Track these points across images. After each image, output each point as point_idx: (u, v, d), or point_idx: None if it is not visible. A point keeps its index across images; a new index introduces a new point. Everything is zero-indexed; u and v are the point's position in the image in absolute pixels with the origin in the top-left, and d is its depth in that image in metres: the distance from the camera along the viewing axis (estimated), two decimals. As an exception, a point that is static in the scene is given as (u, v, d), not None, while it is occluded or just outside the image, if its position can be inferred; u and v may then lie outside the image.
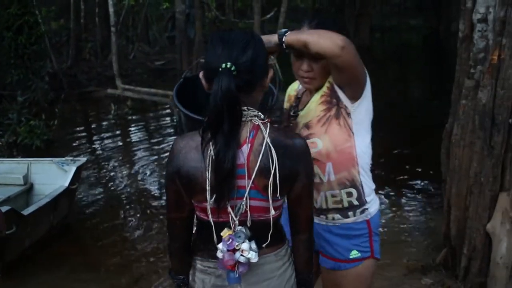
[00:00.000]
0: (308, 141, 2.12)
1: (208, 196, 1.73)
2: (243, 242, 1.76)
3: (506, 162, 3.64)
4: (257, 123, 1.77)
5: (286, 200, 1.89)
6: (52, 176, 5.81)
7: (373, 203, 2.38)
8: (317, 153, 2.24)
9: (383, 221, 5.81)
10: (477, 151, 3.73)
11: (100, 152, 9.24)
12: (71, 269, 5.02)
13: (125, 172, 8.14)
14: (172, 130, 10.57)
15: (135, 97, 12.05)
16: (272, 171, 1.72)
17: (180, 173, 1.77)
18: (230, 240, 1.75)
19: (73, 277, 4.87)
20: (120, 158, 8.85)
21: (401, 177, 7.04)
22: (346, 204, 2.32)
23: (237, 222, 1.76)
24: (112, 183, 7.58)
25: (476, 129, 3.72)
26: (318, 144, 2.24)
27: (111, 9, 13.02)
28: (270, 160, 1.72)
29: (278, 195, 1.77)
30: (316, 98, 2.30)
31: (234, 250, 1.76)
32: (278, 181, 1.73)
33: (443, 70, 13.88)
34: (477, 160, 3.73)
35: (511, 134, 3.57)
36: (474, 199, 3.79)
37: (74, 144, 9.57)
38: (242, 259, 1.76)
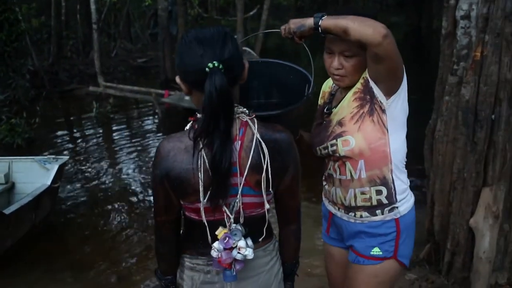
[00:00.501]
0: (341, 139, 2.20)
1: (201, 197, 1.72)
2: (240, 240, 1.76)
3: (488, 157, 3.67)
4: (245, 120, 1.76)
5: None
6: (34, 175, 5.75)
7: (405, 202, 2.30)
8: (350, 151, 2.19)
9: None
10: (460, 147, 3.76)
11: (82, 150, 9.16)
12: (54, 268, 4.98)
13: (107, 170, 8.08)
14: (154, 128, 10.52)
15: (117, 95, 11.97)
16: (265, 167, 1.72)
17: (170, 176, 1.75)
18: (227, 238, 1.75)
19: (57, 276, 4.83)
20: (103, 156, 8.79)
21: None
22: (374, 202, 2.26)
23: (232, 220, 1.76)
24: (94, 181, 7.52)
25: (459, 125, 3.74)
26: (351, 142, 2.18)
27: (92, 6, 12.92)
28: (262, 156, 1.72)
29: (270, 189, 1.78)
30: (350, 95, 2.24)
31: (231, 249, 1.76)
32: (269, 177, 1.74)
33: (425, 67, 13.96)
34: (460, 156, 3.76)
35: (493, 130, 3.60)
36: (457, 195, 3.82)
37: (56, 142, 9.48)
38: (239, 257, 1.76)
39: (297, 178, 1.88)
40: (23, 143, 8.70)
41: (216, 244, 1.76)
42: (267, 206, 1.79)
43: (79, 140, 9.88)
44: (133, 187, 7.25)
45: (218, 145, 1.65)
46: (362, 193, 2.26)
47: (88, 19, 15.19)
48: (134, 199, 6.81)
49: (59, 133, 10.29)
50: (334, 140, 2.23)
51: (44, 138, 9.60)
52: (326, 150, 2.29)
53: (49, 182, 5.51)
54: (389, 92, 2.14)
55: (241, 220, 1.78)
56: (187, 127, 1.77)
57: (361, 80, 2.21)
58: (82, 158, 8.62)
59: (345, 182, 2.28)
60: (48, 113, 11.28)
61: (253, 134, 1.74)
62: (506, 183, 3.67)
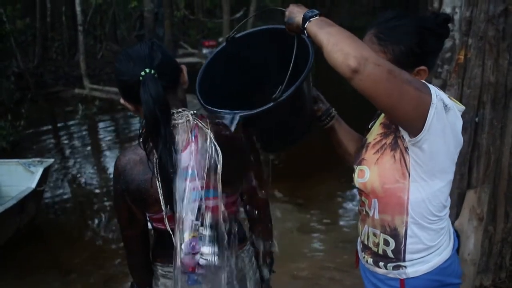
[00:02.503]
0: (359, 167, 1.86)
1: (163, 205, 1.71)
2: (205, 245, 1.75)
3: (472, 160, 3.69)
4: (195, 122, 1.74)
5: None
6: (18, 178, 5.71)
7: (419, 263, 1.83)
8: (363, 184, 1.84)
9: (353, 217, 5.86)
10: (445, 149, 3.77)
11: (68, 152, 9.11)
12: (40, 271, 4.94)
13: (93, 172, 8.05)
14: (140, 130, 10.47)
15: (103, 97, 11.93)
16: (219, 167, 1.71)
17: (130, 189, 1.75)
18: (192, 243, 1.74)
19: (42, 279, 4.79)
20: (88, 158, 8.75)
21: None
22: (380, 251, 1.88)
23: (198, 224, 1.75)
24: (80, 184, 7.49)
25: (443, 128, 3.76)
26: (366, 174, 1.82)
27: (78, 8, 12.88)
28: (217, 157, 1.71)
29: (230, 190, 1.79)
30: (382, 116, 1.89)
31: (196, 253, 1.75)
32: (228, 176, 1.73)
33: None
34: (445, 158, 3.78)
35: (477, 132, 3.62)
36: (443, 197, 3.84)
37: (41, 145, 9.42)
38: (202, 262, 1.76)
39: (260, 171, 1.89)
40: (7, 146, 8.64)
41: (182, 247, 1.75)
42: (222, 208, 1.76)
43: (64, 143, 9.83)
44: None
45: (162, 151, 1.65)
46: (374, 234, 1.90)
47: (74, 21, 15.14)
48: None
49: (45, 135, 10.23)
50: (356, 166, 1.90)
51: (29, 141, 9.54)
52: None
53: (34, 185, 5.47)
54: (409, 131, 1.68)
55: (208, 223, 1.76)
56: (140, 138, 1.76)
57: None
58: (67, 161, 8.58)
59: (363, 214, 1.96)
60: (34, 115, 11.20)
61: (206, 135, 1.72)
62: (490, 185, 3.69)
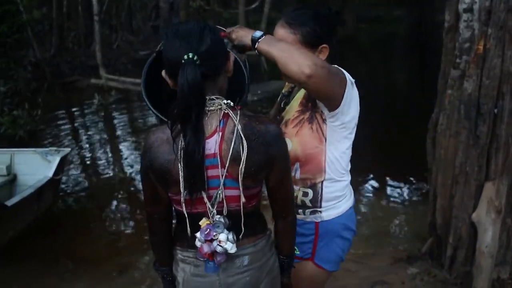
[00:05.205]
0: None
1: (182, 188, 1.73)
2: (221, 233, 1.76)
3: (491, 151, 3.65)
4: (227, 111, 1.75)
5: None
6: (35, 167, 5.75)
7: (331, 210, 2.29)
8: None
9: (368, 210, 5.85)
10: (462, 140, 3.74)
11: (84, 142, 9.17)
12: (56, 260, 4.98)
13: (109, 162, 8.09)
14: (155, 120, 10.50)
15: (119, 87, 11.96)
16: (243, 159, 1.71)
17: (153, 167, 1.77)
18: (208, 230, 1.75)
19: (59, 268, 4.84)
20: (104, 148, 8.80)
21: (386, 167, 7.06)
22: (299, 202, 2.27)
23: (214, 211, 1.76)
24: (96, 173, 7.53)
25: (461, 119, 3.73)
26: (288, 145, 2.10)
27: (94, -2, 12.91)
28: (241, 148, 1.71)
29: (252, 183, 1.77)
30: (298, 96, 2.27)
31: (211, 240, 1.76)
32: (251, 169, 1.73)
33: (427, 61, 13.92)
34: (463, 149, 3.75)
35: (496, 123, 3.58)
36: (459, 189, 3.81)
37: (58, 134, 9.48)
38: (219, 249, 1.76)
39: (286, 170, 1.88)
40: (25, 135, 8.70)
41: (198, 234, 1.77)
42: (243, 200, 1.77)
43: (81, 132, 9.89)
44: (135, 179, 7.25)
45: (190, 137, 1.67)
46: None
47: (90, 11, 15.18)
48: (136, 190, 6.81)
49: (61, 125, 10.29)
50: None
51: (46, 130, 9.61)
52: None
53: (51, 174, 5.51)
54: (329, 109, 2.13)
55: (224, 212, 1.77)
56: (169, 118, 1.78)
57: None
58: (83, 150, 8.64)
59: None
60: (50, 105, 11.27)
61: (234, 126, 1.73)
62: (509, 177, 3.65)
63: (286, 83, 2.48)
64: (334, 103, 2.10)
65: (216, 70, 1.76)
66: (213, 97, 1.74)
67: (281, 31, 2.18)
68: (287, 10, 2.27)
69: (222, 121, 1.73)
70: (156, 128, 1.82)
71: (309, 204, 2.27)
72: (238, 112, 1.76)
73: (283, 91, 2.51)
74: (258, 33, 1.99)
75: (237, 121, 1.73)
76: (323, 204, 2.27)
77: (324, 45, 2.18)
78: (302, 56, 1.89)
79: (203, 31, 1.72)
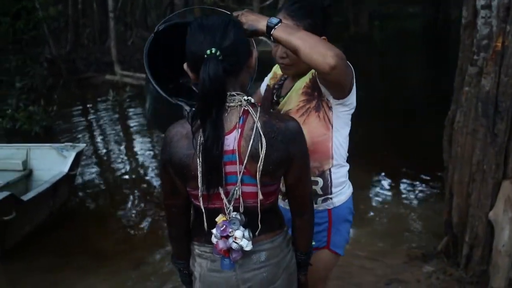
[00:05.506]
0: None
1: (199, 183, 1.73)
2: (237, 229, 1.75)
3: (509, 149, 3.62)
4: (246, 108, 1.75)
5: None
6: (51, 162, 5.79)
7: (340, 194, 2.34)
8: None
9: (383, 207, 5.82)
10: (480, 138, 3.71)
11: (99, 138, 9.22)
12: (71, 254, 5.01)
13: (124, 157, 8.13)
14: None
15: (134, 83, 12.00)
16: (261, 156, 1.70)
17: (172, 161, 1.77)
18: (224, 226, 1.75)
19: (74, 263, 4.86)
20: (119, 143, 8.84)
21: (402, 164, 7.04)
22: None
23: (231, 208, 1.76)
24: (111, 169, 7.57)
25: (479, 117, 3.70)
26: None
27: (109, -5, 12.96)
28: (260, 145, 1.71)
29: (270, 180, 1.77)
30: (298, 86, 2.27)
31: (227, 237, 1.76)
32: (270, 166, 1.73)
33: (443, 58, 13.84)
34: (480, 147, 3.72)
35: (514, 121, 3.56)
36: (476, 187, 3.78)
37: (73, 130, 9.54)
38: (234, 246, 1.76)
39: (305, 168, 1.87)
40: (40, 130, 8.76)
41: (214, 231, 1.77)
42: (260, 197, 1.76)
43: (96, 128, 9.94)
44: (149, 174, 7.28)
45: (210, 132, 1.67)
46: None
47: (105, 8, 15.24)
48: (151, 185, 6.84)
49: (76, 120, 10.36)
50: None
51: (61, 126, 9.67)
52: None
53: (66, 170, 5.55)
54: (337, 97, 2.17)
55: (241, 209, 1.77)
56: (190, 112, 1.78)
57: (309, 75, 2.23)
58: (99, 146, 8.68)
59: None
60: (66, 101, 11.35)
61: (254, 123, 1.72)
62: (527, 175, 3.62)
63: (273, 76, 2.51)
64: (345, 92, 2.14)
65: (238, 66, 1.75)
66: (233, 93, 1.74)
67: (284, 21, 2.11)
68: (286, 4, 2.27)
69: (241, 117, 1.73)
70: (176, 122, 1.82)
71: (320, 192, 2.29)
72: (258, 109, 1.76)
73: (269, 83, 2.52)
74: (274, 20, 1.92)
75: (257, 118, 1.72)
76: (333, 190, 2.31)
77: (324, 37, 2.16)
78: (325, 46, 1.86)
79: (227, 26, 1.71)
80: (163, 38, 2.22)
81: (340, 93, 2.15)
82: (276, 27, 1.90)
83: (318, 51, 1.84)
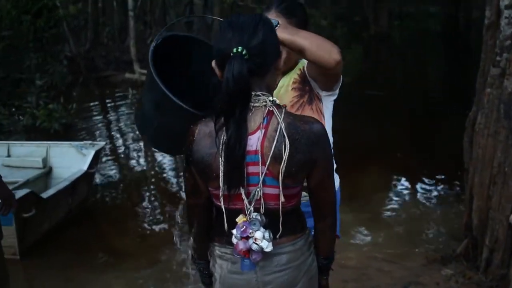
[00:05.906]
0: None
1: (221, 183, 1.72)
2: (257, 230, 1.74)
3: (530, 151, 3.58)
4: (271, 109, 1.73)
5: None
6: (71, 160, 5.83)
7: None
8: None
9: (402, 209, 5.78)
10: (501, 140, 3.67)
11: (118, 136, 9.26)
12: (89, 253, 5.04)
13: (142, 156, 8.16)
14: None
15: (153, 82, 12.02)
16: (284, 158, 1.68)
17: (195, 160, 1.76)
18: (244, 227, 1.73)
19: (92, 261, 4.89)
20: (137, 142, 8.86)
21: (421, 166, 6.97)
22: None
23: (251, 209, 1.74)
24: (130, 167, 7.62)
25: (501, 118, 3.65)
26: None
27: (129, -6, 13.02)
28: (283, 147, 1.69)
29: (292, 182, 1.75)
30: (287, 82, 2.32)
31: (247, 237, 1.74)
32: (292, 168, 1.70)
33: (464, 58, 13.70)
34: (502, 149, 3.67)
35: (537, 123, 3.51)
36: (497, 190, 3.73)
37: (92, 128, 9.60)
38: (254, 247, 1.74)
39: (329, 171, 1.84)
40: (60, 128, 8.82)
41: (234, 231, 1.75)
42: (282, 199, 1.74)
43: (115, 126, 9.99)
44: (167, 174, 7.31)
45: (233, 131, 1.66)
46: None
47: (125, 6, 15.30)
48: (168, 185, 6.87)
49: (96, 118, 10.42)
50: None
51: (80, 124, 9.73)
52: None
53: (85, 167, 5.58)
54: (326, 88, 2.27)
55: (262, 210, 1.75)
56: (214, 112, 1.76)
57: (297, 71, 2.32)
58: (118, 144, 8.73)
59: None
60: (85, 98, 11.42)
61: (278, 124, 1.70)
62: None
63: None
64: (338, 81, 2.25)
65: (264, 67, 1.72)
66: (259, 93, 1.72)
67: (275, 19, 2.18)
68: (274, 2, 2.35)
69: (266, 118, 1.71)
70: (200, 120, 1.81)
71: None
72: (283, 110, 1.74)
73: None
74: (273, 21, 1.92)
75: (281, 119, 1.71)
76: None
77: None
78: (328, 43, 1.98)
79: (258, 25, 1.70)
80: (162, 49, 2.18)
81: (335, 84, 2.25)
82: (277, 27, 1.91)
83: (324, 48, 1.96)
